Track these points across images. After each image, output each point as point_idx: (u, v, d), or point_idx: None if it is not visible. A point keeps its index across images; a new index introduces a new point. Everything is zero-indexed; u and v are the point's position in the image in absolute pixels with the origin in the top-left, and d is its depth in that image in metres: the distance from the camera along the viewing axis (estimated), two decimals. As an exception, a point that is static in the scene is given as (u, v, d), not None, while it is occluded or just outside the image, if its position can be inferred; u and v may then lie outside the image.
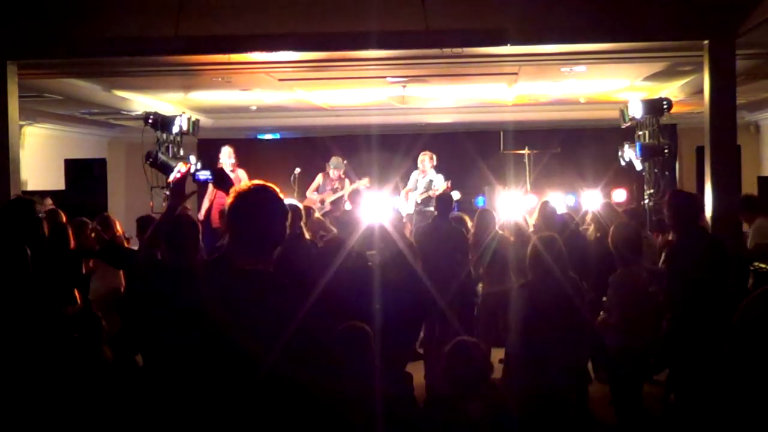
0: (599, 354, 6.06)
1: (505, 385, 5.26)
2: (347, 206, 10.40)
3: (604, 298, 5.83)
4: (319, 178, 11.35)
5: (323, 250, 6.02)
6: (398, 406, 4.00)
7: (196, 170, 10.20)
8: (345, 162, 11.31)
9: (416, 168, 11.34)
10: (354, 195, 8.63)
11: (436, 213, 7.87)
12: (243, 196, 2.84)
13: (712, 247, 5.23)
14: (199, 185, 12.33)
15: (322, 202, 11.06)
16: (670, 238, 7.35)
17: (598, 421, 6.00)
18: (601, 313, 5.65)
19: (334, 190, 11.13)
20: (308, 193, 11.27)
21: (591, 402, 6.22)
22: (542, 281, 4.96)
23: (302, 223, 6.42)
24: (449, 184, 11.10)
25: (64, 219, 6.46)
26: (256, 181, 2.90)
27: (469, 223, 7.67)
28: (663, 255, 6.13)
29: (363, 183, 11.05)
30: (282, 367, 2.65)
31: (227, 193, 2.94)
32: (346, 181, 11.20)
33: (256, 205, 2.82)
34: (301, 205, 6.79)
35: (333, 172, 11.22)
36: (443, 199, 7.84)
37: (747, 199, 8.18)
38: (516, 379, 5.06)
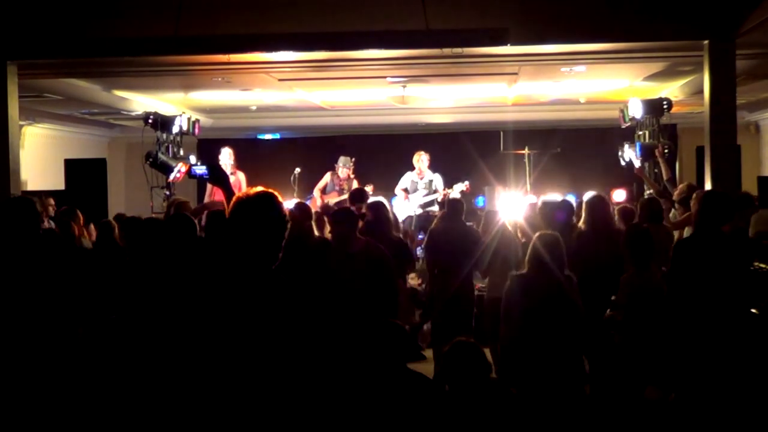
0: (596, 351, 6.07)
1: (500, 377, 5.27)
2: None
3: (613, 297, 5.82)
4: (326, 177, 11.19)
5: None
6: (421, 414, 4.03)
7: (192, 165, 10.24)
8: (353, 160, 11.23)
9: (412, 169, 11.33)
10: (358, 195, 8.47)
11: (447, 215, 7.73)
12: (244, 202, 2.85)
13: (730, 250, 5.15)
14: (199, 183, 12.42)
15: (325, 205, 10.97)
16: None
17: (595, 419, 5.99)
18: (608, 311, 5.65)
19: (341, 191, 11.00)
20: (315, 192, 11.12)
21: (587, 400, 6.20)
22: (538, 274, 5.00)
23: (311, 222, 6.40)
24: (467, 186, 11.09)
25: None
26: (258, 188, 2.91)
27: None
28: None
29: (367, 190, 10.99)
30: (281, 367, 2.66)
31: (223, 189, 2.94)
32: (354, 181, 11.10)
33: (256, 211, 2.83)
34: (309, 204, 6.77)
35: (342, 171, 11.11)
36: (455, 203, 7.73)
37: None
38: (510, 371, 5.09)
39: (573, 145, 14.18)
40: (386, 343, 4.16)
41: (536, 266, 5.03)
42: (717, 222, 4.99)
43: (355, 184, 11.01)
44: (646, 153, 9.92)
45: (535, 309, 4.90)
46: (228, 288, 2.79)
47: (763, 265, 6.24)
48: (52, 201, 10.52)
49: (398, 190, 11.35)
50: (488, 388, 4.10)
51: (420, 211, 11.04)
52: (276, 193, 2.91)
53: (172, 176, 10.20)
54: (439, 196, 11.03)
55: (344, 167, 11.09)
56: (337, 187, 11.07)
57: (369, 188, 10.94)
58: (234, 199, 2.88)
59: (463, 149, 14.43)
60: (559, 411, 4.80)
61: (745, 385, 4.74)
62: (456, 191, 11.10)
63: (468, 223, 7.79)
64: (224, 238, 2.90)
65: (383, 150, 14.44)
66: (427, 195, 11.11)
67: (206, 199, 10.72)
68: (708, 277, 4.87)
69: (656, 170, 10.01)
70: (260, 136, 16.10)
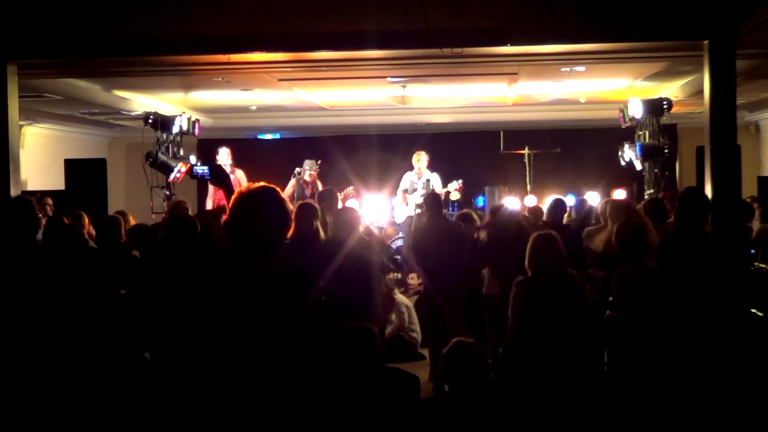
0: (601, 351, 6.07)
1: (503, 382, 5.27)
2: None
3: (611, 298, 5.83)
4: (291, 183, 10.96)
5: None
6: (400, 407, 4.00)
7: (193, 165, 10.24)
8: (318, 162, 11.14)
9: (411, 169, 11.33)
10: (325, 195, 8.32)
11: (428, 212, 7.78)
12: (245, 197, 2.85)
13: (710, 250, 5.17)
14: (199, 183, 12.42)
15: None
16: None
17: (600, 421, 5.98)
18: (607, 312, 5.66)
19: (312, 196, 10.84)
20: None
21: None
22: (540, 277, 4.99)
23: (318, 222, 6.35)
24: (461, 184, 11.08)
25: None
26: (259, 183, 2.91)
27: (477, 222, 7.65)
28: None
29: (348, 191, 10.93)
30: (279, 364, 2.66)
31: (224, 189, 2.94)
32: (318, 183, 11.00)
33: (257, 206, 2.83)
34: (316, 204, 6.70)
35: (308, 175, 10.97)
36: (432, 198, 7.82)
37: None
38: (514, 375, 5.08)
39: (573, 145, 14.19)
40: (354, 346, 4.06)
41: (538, 269, 5.03)
42: (696, 220, 5.02)
43: (320, 186, 10.87)
44: (646, 153, 9.92)
45: (540, 315, 4.88)
46: (225, 283, 2.79)
47: (763, 265, 6.25)
48: (50, 201, 10.53)
49: (399, 191, 11.38)
50: (488, 388, 4.10)
51: (419, 211, 11.03)
52: (278, 189, 2.91)
53: (172, 176, 10.21)
54: (437, 196, 11.02)
55: (310, 170, 10.94)
56: (307, 193, 10.85)
57: (350, 189, 10.89)
58: (235, 193, 2.88)
59: (463, 149, 14.44)
60: (564, 413, 4.78)
61: (740, 384, 4.74)
62: (451, 190, 11.13)
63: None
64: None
65: (383, 150, 14.46)
66: (423, 195, 11.10)
67: (208, 200, 10.72)
68: (690, 275, 4.88)
69: (656, 170, 10.01)
70: (260, 136, 16.10)
